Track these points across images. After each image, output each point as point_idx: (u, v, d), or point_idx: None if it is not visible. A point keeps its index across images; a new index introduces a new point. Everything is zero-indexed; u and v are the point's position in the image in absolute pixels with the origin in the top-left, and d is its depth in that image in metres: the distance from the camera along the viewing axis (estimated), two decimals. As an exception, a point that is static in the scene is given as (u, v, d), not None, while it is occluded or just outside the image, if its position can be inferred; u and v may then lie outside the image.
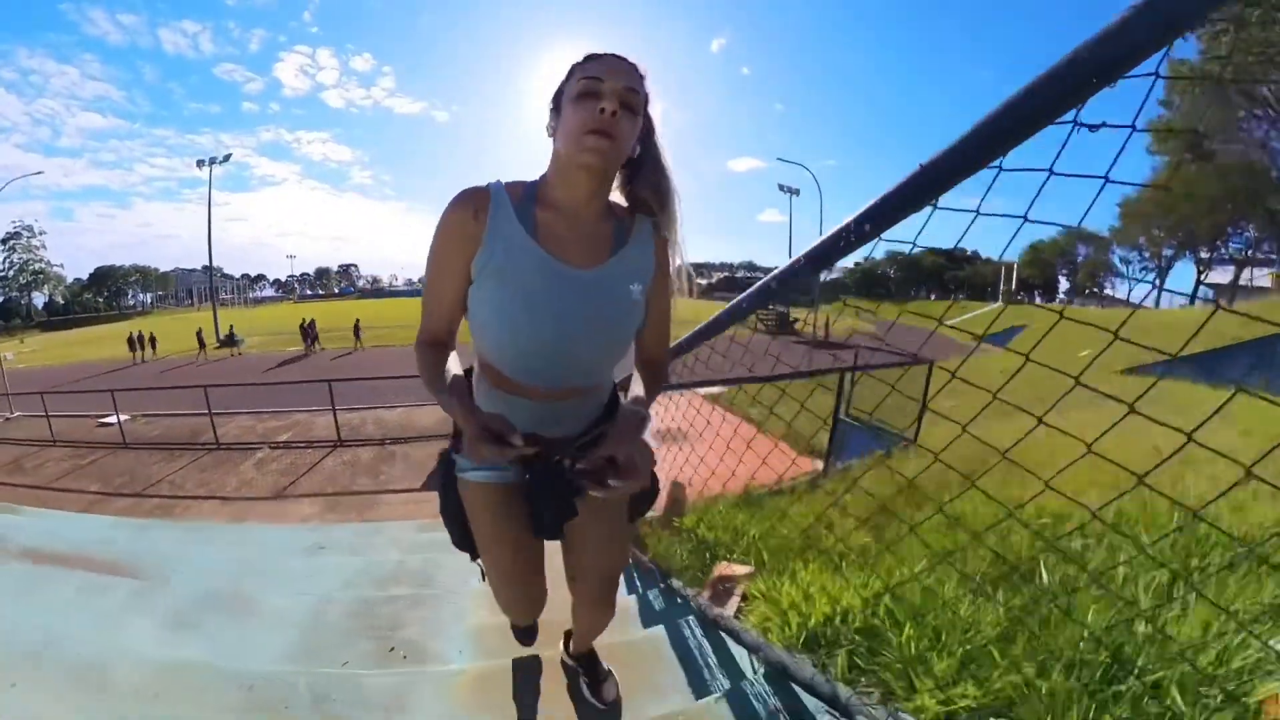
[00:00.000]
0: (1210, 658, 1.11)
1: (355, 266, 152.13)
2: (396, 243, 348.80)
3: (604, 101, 0.90)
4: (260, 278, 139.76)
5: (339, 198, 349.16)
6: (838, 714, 1.29)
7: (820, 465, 5.55)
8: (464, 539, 1.26)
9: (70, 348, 34.10)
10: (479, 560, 1.30)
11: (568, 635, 1.62)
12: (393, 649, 1.93)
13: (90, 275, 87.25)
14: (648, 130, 1.01)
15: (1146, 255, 40.52)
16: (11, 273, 69.05)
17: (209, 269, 44.80)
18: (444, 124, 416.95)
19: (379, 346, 25.02)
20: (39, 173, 71.46)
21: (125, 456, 9.36)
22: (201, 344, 24.72)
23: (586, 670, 1.55)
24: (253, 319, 45.80)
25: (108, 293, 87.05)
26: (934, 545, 1.80)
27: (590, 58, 0.94)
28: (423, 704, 1.52)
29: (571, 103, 0.92)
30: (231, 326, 28.13)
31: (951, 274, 74.41)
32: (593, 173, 0.94)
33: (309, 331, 24.94)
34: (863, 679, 1.36)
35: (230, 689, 1.50)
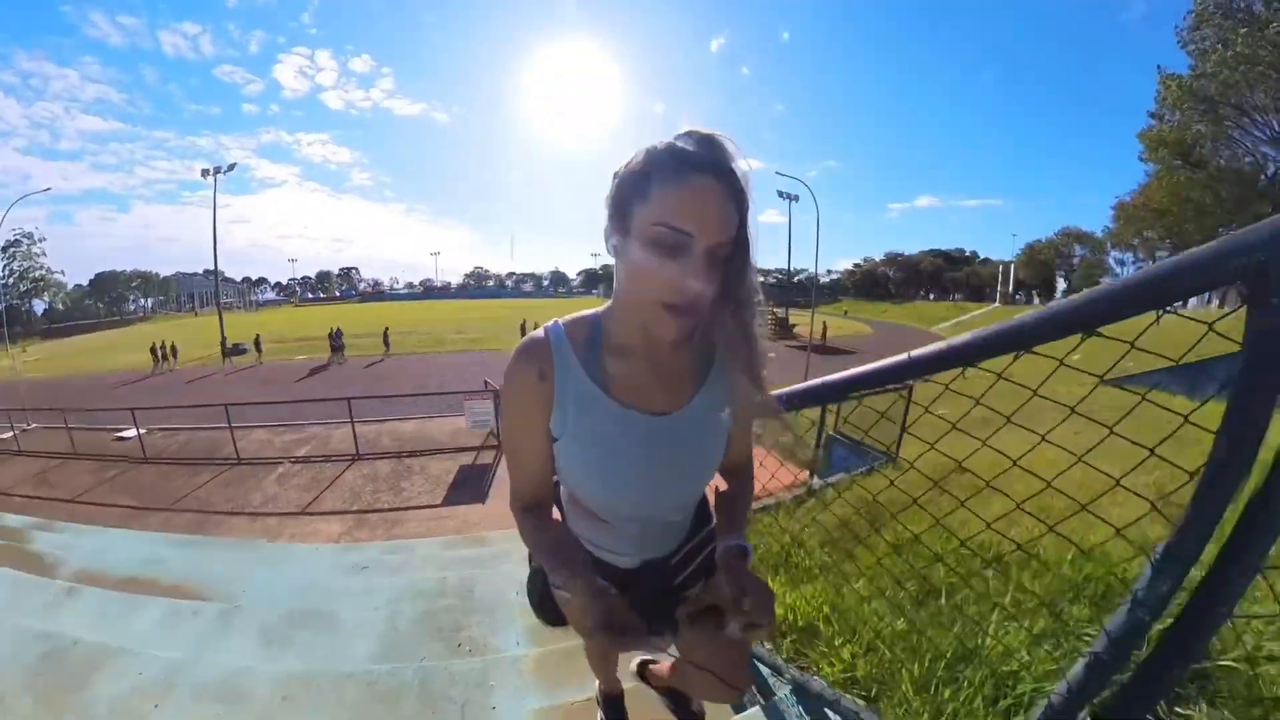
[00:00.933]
0: (1011, 664, 1.56)
1: (356, 269, 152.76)
2: (396, 245, 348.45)
3: (692, 269, 0.73)
4: (261, 280, 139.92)
5: (339, 199, 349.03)
6: (781, 676, 1.83)
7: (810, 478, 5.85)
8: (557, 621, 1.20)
9: (76, 357, 33.95)
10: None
11: (643, 663, 1.58)
12: (460, 645, 2.30)
13: (91, 281, 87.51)
14: (741, 246, 0.78)
15: (1141, 256, 40.95)
16: (12, 280, 69.29)
17: (214, 277, 44.89)
18: (444, 125, 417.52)
19: (410, 354, 25.20)
20: (47, 189, 71.20)
21: (148, 471, 9.69)
22: (225, 352, 24.89)
23: (674, 696, 1.51)
24: (259, 324, 45.57)
25: (108, 299, 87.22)
26: (870, 562, 2.27)
27: (671, 177, 0.72)
28: (503, 680, 1.91)
29: (648, 247, 0.73)
30: (258, 336, 27.48)
31: (950, 275, 74.76)
32: (671, 337, 0.80)
33: (335, 341, 24.85)
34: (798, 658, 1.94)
35: (350, 687, 1.83)
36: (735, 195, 0.73)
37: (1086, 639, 1.50)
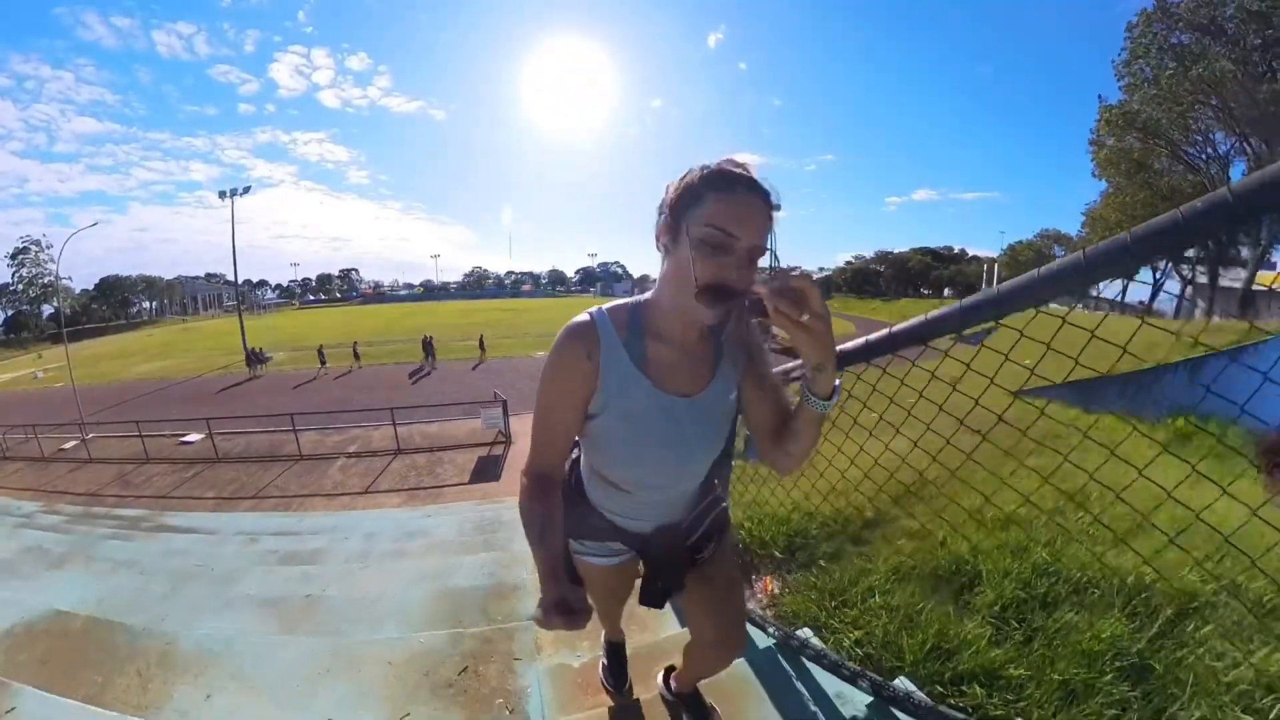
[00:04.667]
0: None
1: (356, 270, 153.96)
2: (395, 244, 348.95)
3: (733, 264, 0.87)
4: (262, 283, 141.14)
5: (337, 199, 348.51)
6: (764, 630, 1.98)
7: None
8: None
9: (96, 364, 34.04)
10: None
11: (669, 670, 1.64)
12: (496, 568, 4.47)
13: (97, 285, 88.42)
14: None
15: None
16: (21, 286, 71.09)
17: (217, 280, 46.47)
18: (441, 122, 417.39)
19: (451, 359, 26.07)
20: (94, 223, 71.81)
21: (223, 469, 11.84)
22: (323, 360, 24.99)
23: (691, 707, 1.57)
24: (269, 329, 46.96)
25: (114, 302, 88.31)
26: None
27: (723, 191, 0.87)
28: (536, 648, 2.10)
29: (699, 245, 0.87)
30: (321, 348, 26.42)
31: (937, 273, 76.58)
32: (709, 321, 0.93)
33: (429, 348, 25.05)
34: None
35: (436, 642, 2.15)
36: (769, 211, 0.88)
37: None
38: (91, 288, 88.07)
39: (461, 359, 26.40)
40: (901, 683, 1.67)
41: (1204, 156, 27.57)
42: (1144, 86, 26.57)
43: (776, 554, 3.67)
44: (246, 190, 38.87)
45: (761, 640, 1.96)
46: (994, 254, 65.98)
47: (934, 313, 1.15)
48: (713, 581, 1.29)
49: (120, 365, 32.62)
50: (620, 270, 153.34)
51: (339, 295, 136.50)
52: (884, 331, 1.28)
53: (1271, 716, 3.49)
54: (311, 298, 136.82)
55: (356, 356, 25.96)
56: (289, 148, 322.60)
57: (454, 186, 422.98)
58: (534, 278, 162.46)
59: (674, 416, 1.03)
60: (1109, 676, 3.35)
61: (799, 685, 1.71)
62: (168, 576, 3.82)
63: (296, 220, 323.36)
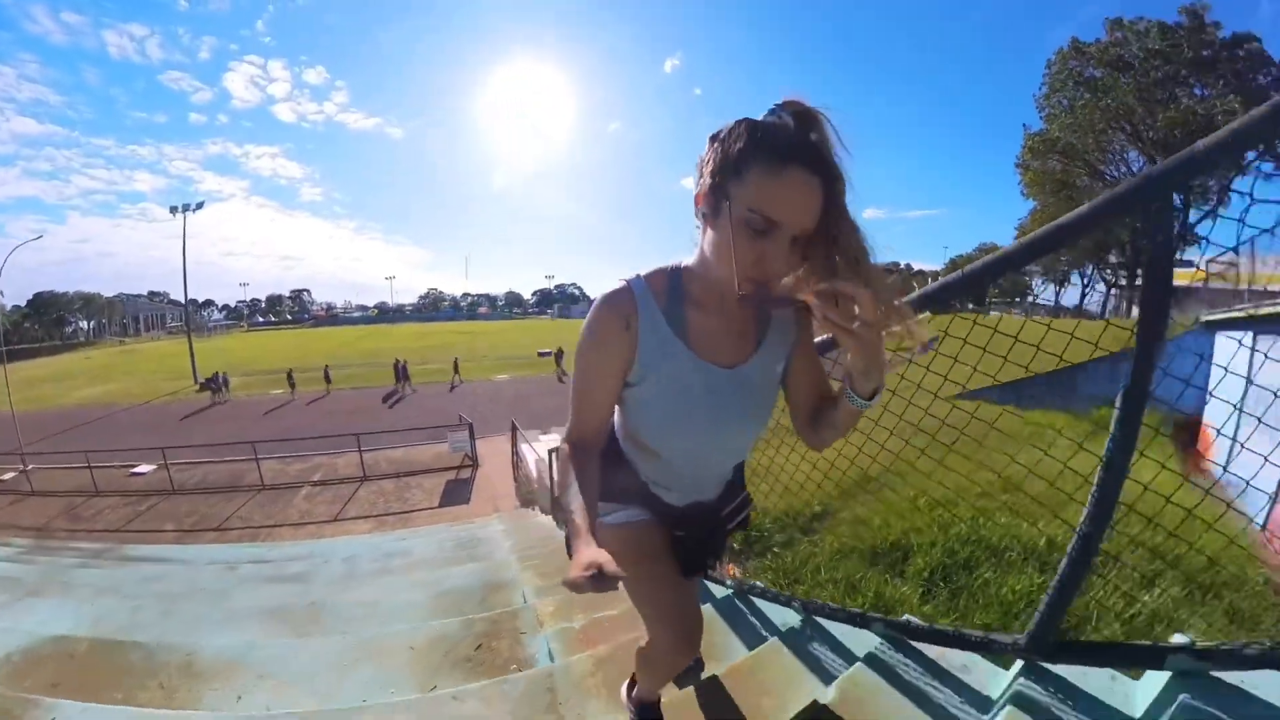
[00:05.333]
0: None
1: (308, 291, 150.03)
2: (348, 265, 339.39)
3: (773, 252, 0.81)
4: (208, 303, 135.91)
5: (289, 216, 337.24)
6: (723, 584, 2.39)
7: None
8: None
9: (34, 387, 31.21)
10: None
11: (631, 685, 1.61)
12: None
13: (29, 301, 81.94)
14: (834, 211, 0.82)
15: (1040, 271, 46.13)
16: (-53, 303, 65.78)
17: (185, 309, 44.57)
18: (399, 140, 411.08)
19: (426, 383, 25.67)
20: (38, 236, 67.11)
21: (180, 501, 11.49)
22: (292, 384, 24.47)
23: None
24: (218, 351, 44.38)
25: (47, 321, 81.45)
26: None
27: (770, 167, 0.78)
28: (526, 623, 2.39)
29: (738, 227, 0.81)
30: (290, 372, 25.54)
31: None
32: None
33: (402, 372, 24.58)
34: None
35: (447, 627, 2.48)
36: (828, 182, 0.79)
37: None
38: (24, 304, 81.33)
39: (430, 383, 26.12)
40: (824, 603, 2.04)
41: (1120, 174, 30.20)
42: (1062, 116, 29.40)
43: (734, 546, 4.15)
44: (199, 206, 37.54)
45: (720, 591, 2.37)
46: (938, 268, 69.19)
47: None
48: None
49: (60, 389, 30.53)
50: (577, 292, 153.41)
51: (290, 317, 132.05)
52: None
53: (1156, 631, 4.22)
54: (261, 319, 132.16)
55: (328, 380, 25.31)
56: (240, 161, 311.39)
57: (410, 206, 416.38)
58: (490, 299, 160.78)
59: (715, 388, 1.00)
60: (1021, 619, 4.08)
61: (750, 617, 2.09)
62: (157, 600, 3.82)
63: (246, 237, 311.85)
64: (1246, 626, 4.95)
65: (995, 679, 1.46)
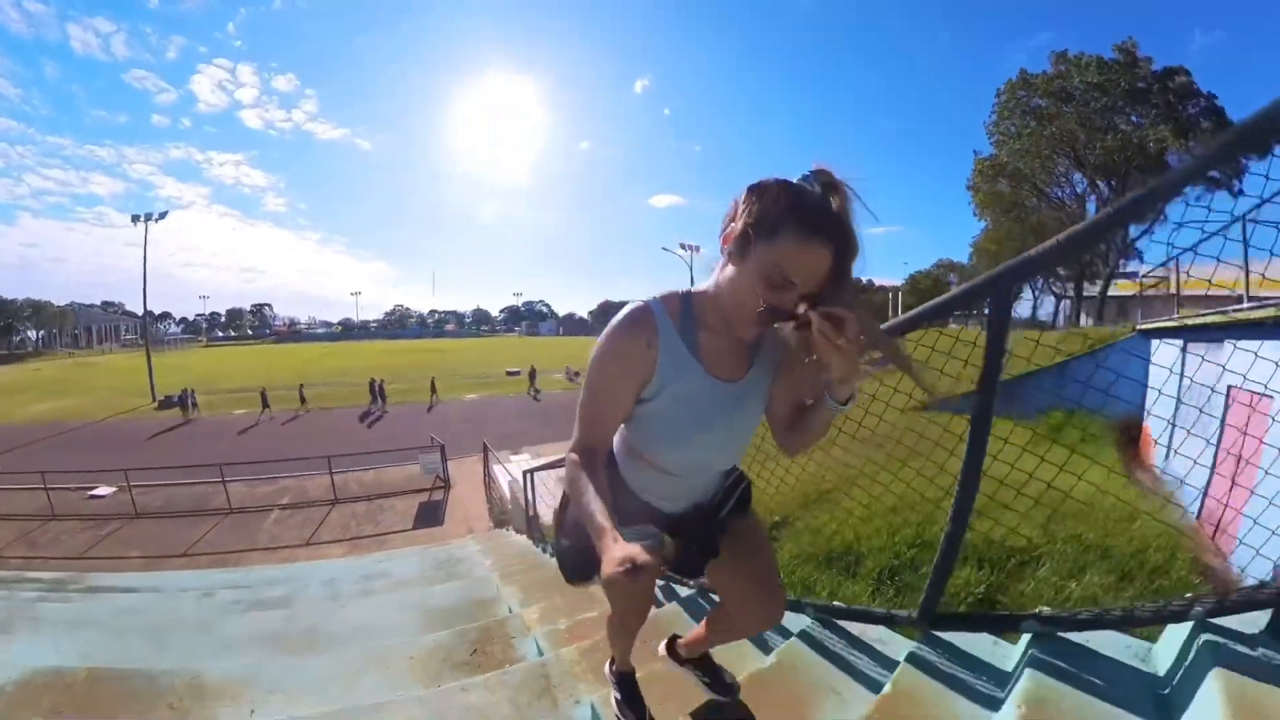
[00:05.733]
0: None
1: (270, 306, 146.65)
2: (313, 278, 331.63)
3: (784, 298, 0.95)
4: (165, 316, 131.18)
5: (251, 226, 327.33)
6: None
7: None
8: (584, 574, 1.33)
9: None
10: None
11: (672, 639, 1.73)
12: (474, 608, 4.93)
13: None
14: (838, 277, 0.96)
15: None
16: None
17: (143, 321, 42.83)
18: (367, 152, 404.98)
19: (400, 403, 25.50)
20: None
21: (144, 525, 11.25)
22: (266, 403, 23.85)
23: (708, 671, 1.65)
24: (180, 369, 41.72)
25: None
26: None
27: (800, 236, 0.92)
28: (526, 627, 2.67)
29: (759, 276, 0.95)
30: (264, 391, 24.35)
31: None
32: (748, 338, 1.06)
33: (377, 390, 24.99)
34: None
35: (441, 638, 2.75)
36: (842, 251, 0.94)
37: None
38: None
39: (403, 402, 25.97)
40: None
41: (1065, 196, 32.50)
42: (1010, 142, 31.61)
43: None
44: (162, 216, 35.78)
45: (685, 591, 2.67)
46: (898, 283, 71.59)
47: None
48: (744, 541, 1.38)
49: (9, 404, 28.75)
50: (545, 309, 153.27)
51: (250, 332, 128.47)
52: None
53: (1145, 609, 4.82)
54: (220, 334, 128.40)
55: (303, 400, 24.91)
56: (203, 167, 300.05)
57: (377, 220, 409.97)
58: (458, 317, 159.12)
59: (721, 401, 1.12)
60: (958, 606, 4.53)
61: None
62: (142, 631, 3.80)
63: (206, 247, 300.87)
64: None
65: (902, 647, 1.81)
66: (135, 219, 34.35)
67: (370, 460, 13.64)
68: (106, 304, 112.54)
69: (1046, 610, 1.61)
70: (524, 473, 7.17)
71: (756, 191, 0.97)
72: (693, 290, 1.12)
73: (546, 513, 8.14)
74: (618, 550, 0.81)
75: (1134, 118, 29.70)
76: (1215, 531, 7.42)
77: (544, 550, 5.61)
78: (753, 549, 1.40)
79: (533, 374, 30.34)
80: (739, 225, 0.97)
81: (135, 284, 35.39)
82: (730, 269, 1.01)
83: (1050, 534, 6.04)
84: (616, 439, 1.25)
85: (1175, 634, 1.40)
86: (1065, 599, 5.24)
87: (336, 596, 4.62)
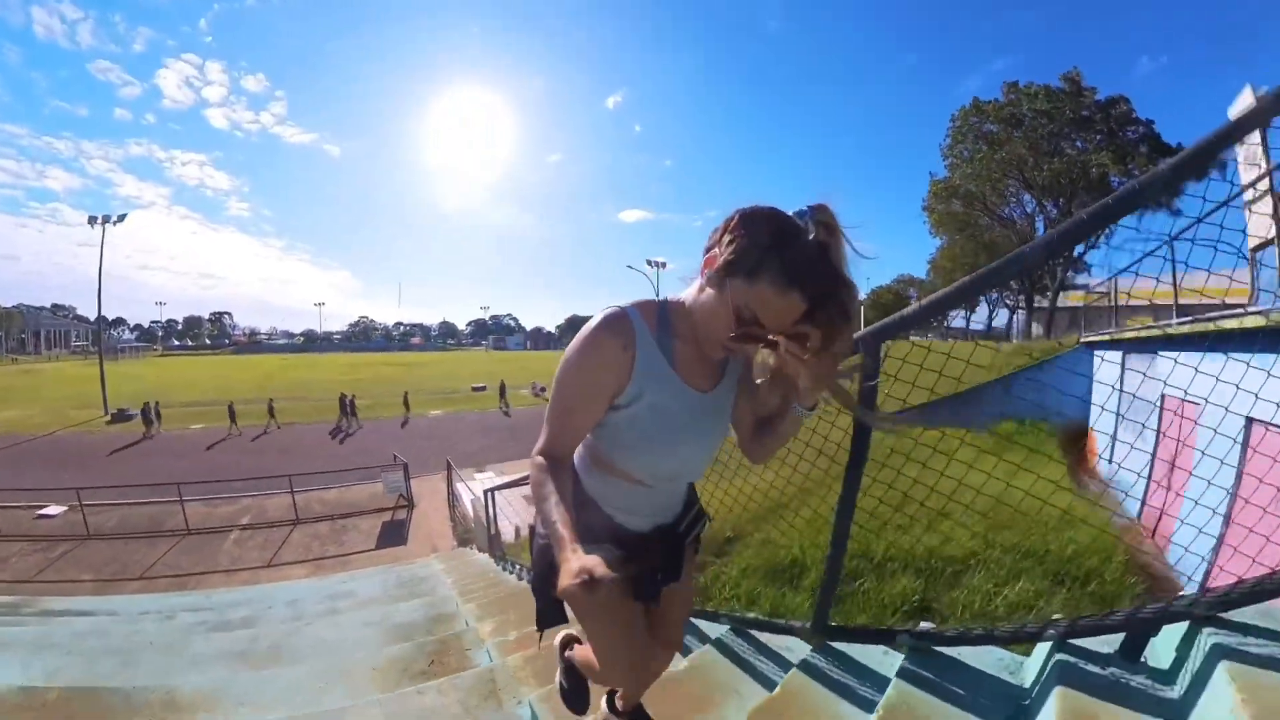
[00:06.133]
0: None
1: (229, 314, 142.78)
2: (275, 287, 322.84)
3: (754, 334, 0.97)
4: (119, 321, 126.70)
5: (213, 230, 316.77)
6: (716, 621, 2.50)
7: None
8: (555, 615, 1.32)
9: None
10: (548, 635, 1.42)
11: (610, 695, 1.68)
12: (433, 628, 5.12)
13: None
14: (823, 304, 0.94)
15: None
16: None
17: (98, 328, 40.52)
18: (335, 159, 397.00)
19: (369, 419, 25.14)
20: None
21: (97, 547, 10.94)
22: (233, 418, 23.16)
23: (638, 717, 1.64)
24: (133, 379, 39.19)
25: None
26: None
27: (778, 285, 0.92)
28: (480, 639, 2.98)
29: (733, 311, 0.96)
30: (231, 406, 23.49)
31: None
32: (717, 357, 1.12)
33: (348, 406, 24.54)
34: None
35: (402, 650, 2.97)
36: (819, 301, 0.93)
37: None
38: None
39: (373, 418, 25.69)
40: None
41: (1015, 215, 34.60)
42: (964, 165, 33.81)
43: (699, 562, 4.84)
44: (121, 219, 34.34)
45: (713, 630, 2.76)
46: (860, 296, 73.66)
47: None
48: (674, 591, 1.39)
49: None
50: (513, 323, 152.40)
51: (209, 341, 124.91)
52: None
53: (1004, 629, 5.20)
54: (177, 342, 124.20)
55: (272, 415, 24.39)
56: (165, 166, 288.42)
57: (343, 228, 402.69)
58: (424, 329, 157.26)
59: (695, 411, 1.13)
60: (895, 618, 4.94)
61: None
62: (108, 653, 3.84)
63: (165, 250, 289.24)
64: (1106, 605, 6.02)
65: (801, 655, 2.09)
66: (92, 220, 32.96)
67: (332, 479, 13.59)
68: (57, 307, 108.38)
69: (927, 626, 1.86)
70: (485, 492, 7.35)
71: (746, 222, 0.96)
72: (669, 300, 1.13)
73: (508, 530, 8.36)
74: (575, 561, 0.79)
75: (1079, 143, 31.75)
76: (1154, 531, 8.00)
77: (505, 568, 5.83)
78: (681, 597, 1.43)
79: (502, 389, 30.44)
80: (721, 256, 0.97)
81: (88, 286, 33.89)
82: (708, 292, 1.02)
83: (989, 542, 6.48)
84: (579, 450, 1.24)
85: (1041, 650, 1.55)
86: (995, 605, 5.65)
87: (300, 617, 4.75)
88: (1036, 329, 32.64)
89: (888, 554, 6.41)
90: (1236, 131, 0.95)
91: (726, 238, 0.96)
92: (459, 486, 10.86)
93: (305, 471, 12.85)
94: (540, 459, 1.04)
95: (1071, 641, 1.45)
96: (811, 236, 0.92)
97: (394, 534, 11.05)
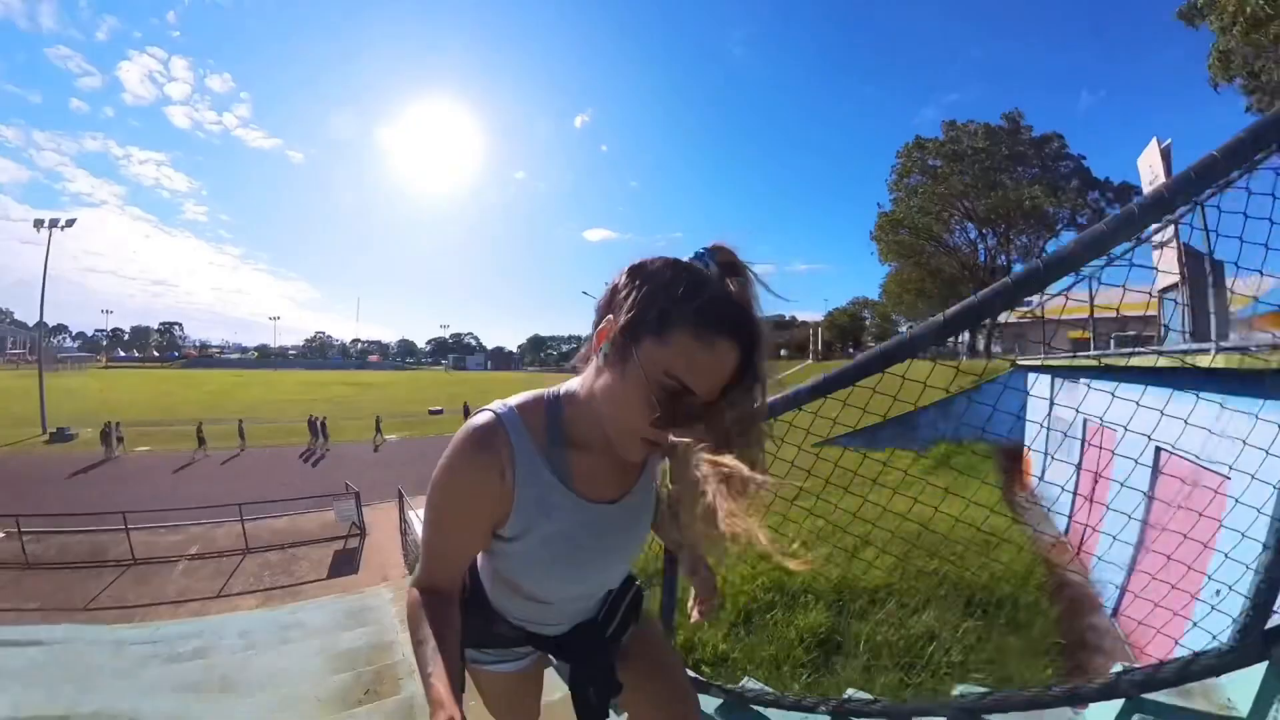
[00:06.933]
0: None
1: (180, 325, 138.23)
2: (229, 297, 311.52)
3: (681, 411, 0.75)
4: (60, 329, 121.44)
5: (167, 234, 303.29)
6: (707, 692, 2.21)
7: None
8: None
9: None
10: None
11: None
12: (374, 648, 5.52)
13: None
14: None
15: (903, 319, 52.60)
16: None
17: (39, 339, 38.94)
18: (298, 166, 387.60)
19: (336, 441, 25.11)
20: None
21: (39, 577, 10.72)
22: (201, 440, 22.64)
23: None
24: (74, 394, 36.36)
25: None
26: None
27: (700, 339, 0.72)
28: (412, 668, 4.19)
29: (650, 388, 0.74)
30: (200, 426, 23.16)
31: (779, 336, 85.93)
32: (636, 460, 0.88)
33: (319, 428, 24.68)
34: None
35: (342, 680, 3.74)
36: (748, 349, 0.74)
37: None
38: None
39: (341, 441, 25.57)
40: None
41: (960, 242, 37.06)
42: (908, 197, 36.24)
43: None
44: (70, 224, 32.84)
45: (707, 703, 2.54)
46: (819, 317, 76.24)
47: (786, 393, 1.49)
48: (647, 658, 1.22)
49: None
50: (474, 342, 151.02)
51: (157, 354, 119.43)
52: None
53: (905, 660, 5.62)
54: (122, 353, 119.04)
55: (241, 436, 24.22)
56: (121, 164, 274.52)
57: (303, 238, 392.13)
58: (382, 347, 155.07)
59: (603, 527, 0.95)
60: (800, 649, 5.59)
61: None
62: (66, 682, 3.90)
63: (114, 253, 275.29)
64: (1020, 626, 6.47)
65: None
66: (39, 225, 31.59)
67: (283, 507, 13.61)
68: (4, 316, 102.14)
69: (751, 685, 2.15)
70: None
71: (639, 273, 0.79)
72: (561, 392, 0.91)
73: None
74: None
75: (1015, 177, 34.32)
76: (1078, 550, 8.75)
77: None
78: (659, 666, 1.24)
79: (466, 412, 30.55)
80: (619, 318, 0.77)
81: (28, 288, 32.53)
82: (607, 376, 0.80)
83: (905, 571, 7.00)
84: (480, 557, 1.11)
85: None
86: (904, 636, 6.14)
87: (251, 647, 5.05)
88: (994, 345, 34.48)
89: (803, 586, 6.92)
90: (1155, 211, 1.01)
91: (621, 295, 0.78)
92: (411, 515, 11.09)
93: (258, 499, 12.92)
94: (416, 593, 0.90)
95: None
96: (718, 278, 0.77)
97: (346, 563, 11.15)
